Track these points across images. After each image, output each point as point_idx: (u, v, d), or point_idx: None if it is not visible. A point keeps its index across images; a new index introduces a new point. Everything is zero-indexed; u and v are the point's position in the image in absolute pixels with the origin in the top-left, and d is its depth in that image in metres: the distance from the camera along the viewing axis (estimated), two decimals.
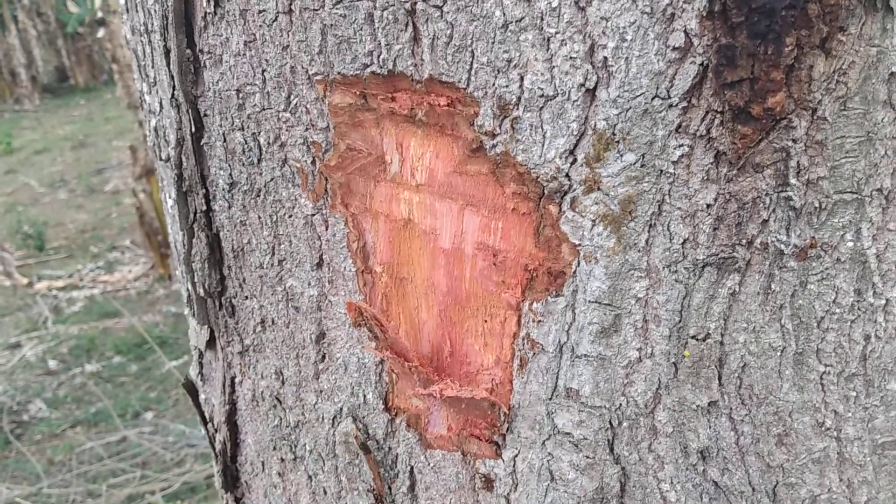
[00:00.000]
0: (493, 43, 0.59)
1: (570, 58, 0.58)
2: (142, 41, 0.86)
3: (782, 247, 0.61)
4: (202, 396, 1.03)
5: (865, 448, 0.68)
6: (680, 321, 0.64)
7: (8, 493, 4.16)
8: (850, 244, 0.61)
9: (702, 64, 0.55)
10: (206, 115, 0.76)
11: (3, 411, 5.08)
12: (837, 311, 0.63)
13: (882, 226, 0.61)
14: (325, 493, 0.84)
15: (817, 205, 0.60)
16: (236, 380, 0.90)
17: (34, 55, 14.11)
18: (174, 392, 5.14)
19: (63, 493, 4.16)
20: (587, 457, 0.69)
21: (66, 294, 6.81)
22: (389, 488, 0.79)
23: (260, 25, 0.67)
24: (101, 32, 7.30)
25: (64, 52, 14.75)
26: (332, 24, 0.64)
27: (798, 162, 0.58)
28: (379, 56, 0.63)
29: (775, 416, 0.66)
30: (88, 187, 9.16)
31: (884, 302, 0.64)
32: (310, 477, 0.86)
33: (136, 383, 5.31)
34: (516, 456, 0.72)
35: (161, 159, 0.90)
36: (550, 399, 0.69)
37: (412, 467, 0.78)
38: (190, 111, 0.75)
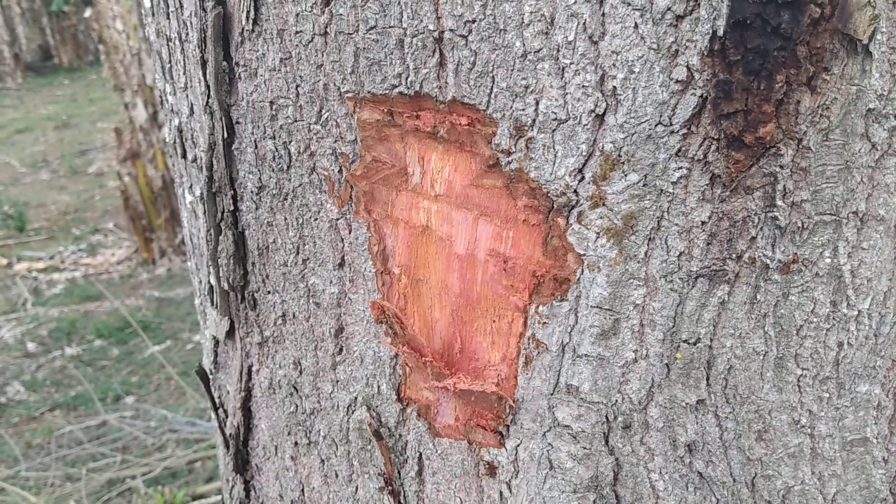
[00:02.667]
0: (512, 70, 0.65)
1: (583, 86, 0.64)
2: (170, 46, 0.91)
3: (768, 261, 0.67)
4: (213, 383, 1.09)
5: (836, 444, 0.74)
6: (673, 326, 0.70)
7: None
8: (828, 260, 0.67)
9: (701, 96, 0.61)
10: (238, 122, 0.81)
11: None
12: (815, 320, 0.69)
13: (856, 245, 0.67)
14: (337, 476, 0.90)
15: (800, 224, 0.66)
16: (253, 368, 0.95)
17: (17, 33, 13.94)
18: (156, 377, 5.11)
19: (41, 477, 4.12)
20: (584, 448, 0.75)
21: (46, 276, 6.74)
22: (399, 472, 0.85)
23: (296, 45, 0.73)
24: (88, 12, 7.24)
25: (48, 30, 14.60)
26: (364, 48, 0.69)
27: (784, 186, 0.64)
28: (407, 78, 0.69)
29: (756, 413, 0.72)
30: (71, 168, 9.09)
31: (856, 313, 0.69)
32: (322, 461, 0.92)
33: (118, 367, 5.26)
34: (518, 445, 0.78)
35: (186, 158, 0.95)
36: (552, 394, 0.75)
37: (421, 454, 0.84)
38: (223, 118, 0.81)
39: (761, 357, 0.70)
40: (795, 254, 0.67)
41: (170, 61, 0.93)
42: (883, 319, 0.71)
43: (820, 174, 0.64)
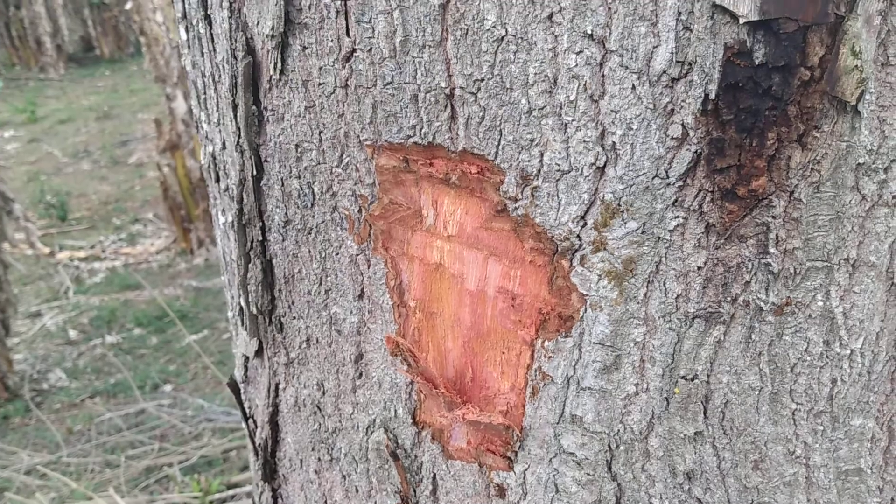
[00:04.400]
0: (518, 125, 0.69)
1: (584, 141, 0.68)
2: (204, 81, 0.96)
3: (762, 304, 0.70)
4: (244, 395, 1.15)
5: (831, 474, 0.77)
6: (672, 363, 0.74)
7: (28, 460, 4.24)
8: (821, 303, 0.70)
9: (696, 152, 0.65)
10: (266, 160, 0.86)
11: (23, 379, 5.14)
12: (808, 358, 0.72)
13: (848, 289, 0.70)
14: (357, 491, 0.96)
15: (793, 270, 0.69)
16: (280, 386, 1.01)
17: (60, 24, 14.18)
18: (193, 366, 5.20)
19: (82, 463, 4.22)
20: (588, 474, 0.80)
21: (87, 265, 6.88)
22: (414, 491, 0.90)
23: (319, 95, 0.77)
24: (128, 4, 7.34)
25: (90, 21, 14.82)
26: (382, 101, 0.74)
27: (777, 234, 0.67)
28: (421, 129, 0.74)
29: (752, 444, 0.76)
30: (112, 159, 9.25)
31: (849, 352, 0.72)
32: (344, 476, 0.97)
33: (156, 356, 5.37)
34: (526, 470, 0.82)
35: (219, 184, 1.00)
36: (557, 423, 0.79)
37: (435, 474, 0.88)
38: (252, 157, 0.86)
39: (757, 392, 0.74)
40: (788, 297, 0.70)
41: (204, 93, 0.98)
42: (876, 357, 0.74)
43: (811, 224, 0.67)
